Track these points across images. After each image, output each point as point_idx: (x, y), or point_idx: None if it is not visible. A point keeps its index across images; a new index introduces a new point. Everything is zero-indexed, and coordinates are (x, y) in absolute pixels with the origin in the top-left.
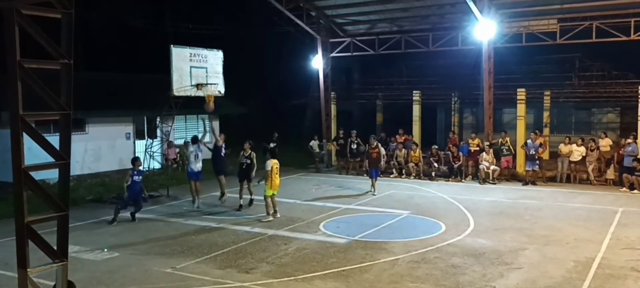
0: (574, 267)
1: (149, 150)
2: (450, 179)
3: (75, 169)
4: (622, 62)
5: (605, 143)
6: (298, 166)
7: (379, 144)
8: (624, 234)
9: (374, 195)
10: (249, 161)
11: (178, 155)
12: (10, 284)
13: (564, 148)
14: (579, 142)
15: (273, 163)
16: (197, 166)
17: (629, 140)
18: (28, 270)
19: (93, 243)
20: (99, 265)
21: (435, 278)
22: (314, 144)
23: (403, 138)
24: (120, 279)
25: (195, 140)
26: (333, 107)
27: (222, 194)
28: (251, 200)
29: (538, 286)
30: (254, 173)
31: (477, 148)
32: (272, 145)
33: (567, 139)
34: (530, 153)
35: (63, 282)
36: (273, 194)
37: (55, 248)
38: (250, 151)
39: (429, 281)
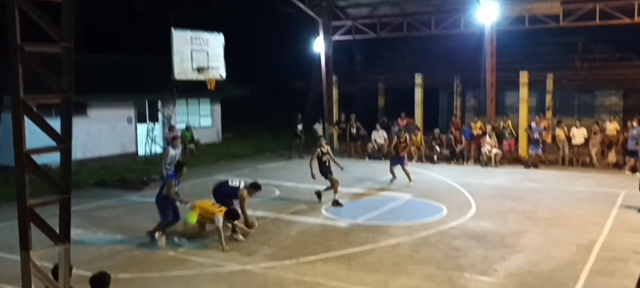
0: (577, 250)
1: (151, 134)
2: (452, 162)
3: (77, 153)
4: (625, 44)
5: (612, 127)
6: (302, 150)
7: (407, 137)
8: (626, 217)
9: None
10: (328, 156)
11: (171, 140)
12: (14, 267)
13: (560, 133)
14: (578, 124)
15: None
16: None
17: (634, 123)
18: (30, 252)
19: (96, 226)
20: (101, 247)
21: (437, 261)
22: (318, 126)
23: (405, 121)
24: (122, 262)
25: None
26: (335, 91)
27: None
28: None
29: (540, 268)
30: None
31: (480, 132)
32: (299, 127)
33: (559, 121)
34: (534, 136)
35: (66, 264)
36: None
37: (57, 231)
38: (327, 146)
39: (430, 264)
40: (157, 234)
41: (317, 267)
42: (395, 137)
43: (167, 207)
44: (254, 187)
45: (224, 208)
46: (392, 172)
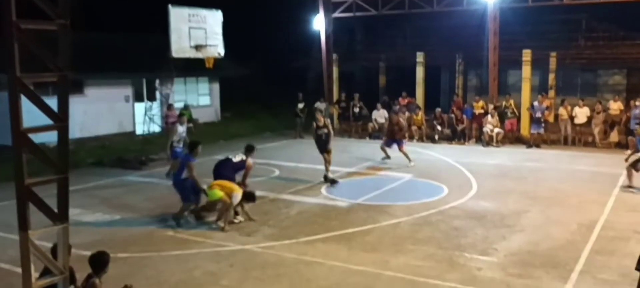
0: (578, 229)
1: (149, 113)
2: (453, 142)
3: (75, 132)
4: (629, 22)
5: (616, 106)
6: (303, 129)
7: (399, 120)
8: (627, 196)
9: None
10: (326, 130)
11: (178, 118)
12: (12, 246)
13: (563, 112)
14: (581, 103)
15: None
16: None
17: (637, 103)
18: (29, 232)
19: (94, 205)
20: (100, 227)
21: (437, 241)
22: (320, 105)
23: (406, 101)
24: (121, 241)
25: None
26: (335, 69)
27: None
28: (326, 177)
29: (540, 248)
30: (331, 142)
31: (482, 111)
32: (300, 106)
33: (562, 101)
34: (537, 116)
35: (65, 244)
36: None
37: (56, 210)
38: (324, 119)
39: (430, 243)
40: (185, 216)
41: (317, 246)
42: (388, 122)
43: (188, 190)
44: (250, 150)
45: (242, 189)
46: (383, 150)
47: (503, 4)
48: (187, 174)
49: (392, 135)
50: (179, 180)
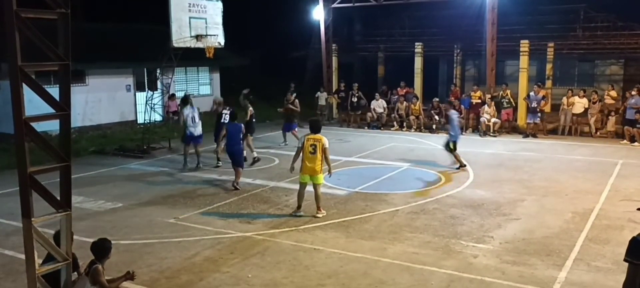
0: (572, 218)
1: (150, 102)
2: None
3: (77, 121)
4: (627, 12)
5: (613, 94)
6: (300, 118)
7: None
8: (622, 186)
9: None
10: (247, 118)
11: (179, 107)
12: (16, 233)
13: (565, 101)
14: (581, 93)
15: (307, 140)
16: (197, 130)
17: (633, 93)
18: (32, 219)
19: (96, 193)
20: (102, 215)
21: (434, 229)
22: (321, 95)
23: (404, 91)
24: (123, 229)
25: (186, 100)
26: (334, 59)
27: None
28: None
29: (535, 236)
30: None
31: (479, 101)
32: (292, 96)
33: (570, 91)
34: (533, 106)
35: (67, 231)
36: (304, 182)
37: (58, 198)
38: (250, 111)
39: (427, 231)
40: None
41: (316, 234)
42: (285, 102)
43: (242, 155)
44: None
45: (319, 135)
46: (284, 135)
47: None
48: (244, 136)
49: (289, 117)
50: (238, 147)
